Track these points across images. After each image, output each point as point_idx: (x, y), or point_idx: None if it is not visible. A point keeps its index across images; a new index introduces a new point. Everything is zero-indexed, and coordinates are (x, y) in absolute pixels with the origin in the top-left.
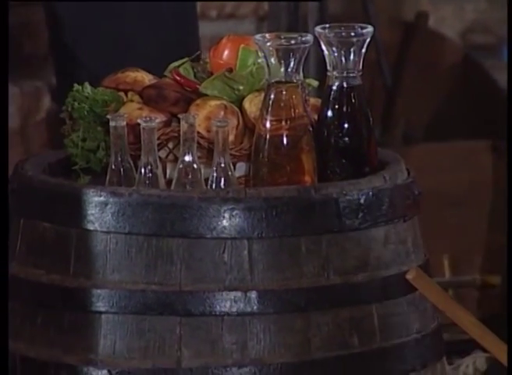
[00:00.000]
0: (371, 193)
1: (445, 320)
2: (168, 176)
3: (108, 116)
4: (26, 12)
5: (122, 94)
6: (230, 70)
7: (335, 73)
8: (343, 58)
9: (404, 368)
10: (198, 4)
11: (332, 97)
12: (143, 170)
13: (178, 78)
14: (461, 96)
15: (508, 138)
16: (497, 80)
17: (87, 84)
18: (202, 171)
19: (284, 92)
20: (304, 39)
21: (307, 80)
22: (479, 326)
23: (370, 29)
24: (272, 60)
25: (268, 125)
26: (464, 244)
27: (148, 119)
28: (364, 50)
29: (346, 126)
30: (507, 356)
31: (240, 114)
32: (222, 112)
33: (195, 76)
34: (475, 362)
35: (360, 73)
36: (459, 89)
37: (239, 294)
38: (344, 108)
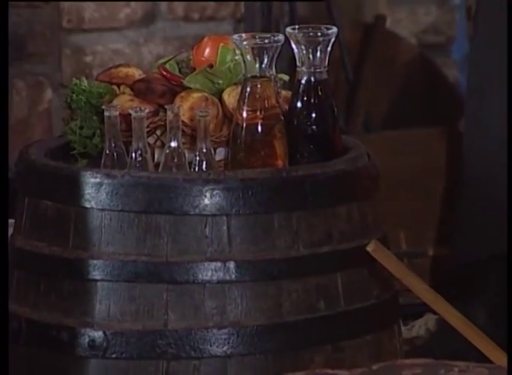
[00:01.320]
0: (335, 175)
1: (401, 287)
2: (156, 160)
3: (103, 107)
4: (31, 13)
5: (115, 87)
6: (211, 66)
7: (303, 68)
8: (311, 56)
9: (365, 329)
10: (182, 6)
11: (301, 90)
12: (133, 155)
13: (164, 73)
14: (415, 89)
15: (508, 137)
16: (447, 75)
17: (83, 79)
18: (186, 155)
19: (259, 86)
20: (276, 39)
21: (279, 75)
22: (431, 292)
23: (334, 30)
24: (248, 57)
25: (244, 114)
26: (417, 220)
27: (138, 109)
28: (329, 48)
29: (313, 115)
30: (507, 355)
31: (219, 105)
32: (204, 104)
33: (180, 71)
34: (427, 323)
35: (326, 69)
36: (413, 83)
37: (219, 264)
38: (312, 100)
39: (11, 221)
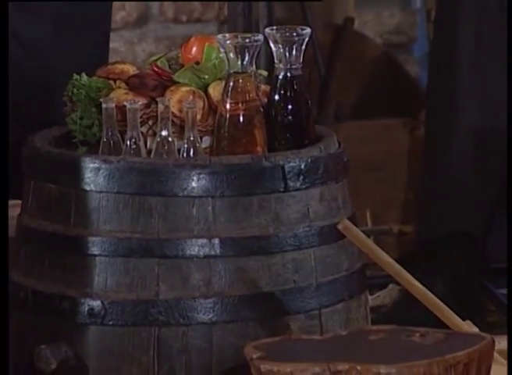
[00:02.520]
0: (309, 160)
1: (367, 261)
2: (148, 147)
3: (101, 100)
4: None
5: (111, 82)
6: (197, 63)
7: (280, 65)
8: (287, 54)
9: (336, 299)
10: (172, 9)
11: (278, 84)
12: (128, 142)
13: (156, 69)
14: (380, 84)
15: (508, 135)
16: (408, 71)
17: (83, 74)
18: (175, 143)
19: (240, 80)
20: (256, 38)
21: (259, 71)
22: (394, 265)
23: (308, 30)
24: (231, 55)
25: (227, 106)
26: (382, 200)
27: (132, 101)
28: (303, 47)
29: (289, 107)
30: (508, 355)
31: (205, 98)
32: (191, 97)
33: (170, 67)
34: (391, 293)
35: (301, 66)
36: (378, 78)
37: (205, 240)
38: (288, 93)
39: (18, 202)
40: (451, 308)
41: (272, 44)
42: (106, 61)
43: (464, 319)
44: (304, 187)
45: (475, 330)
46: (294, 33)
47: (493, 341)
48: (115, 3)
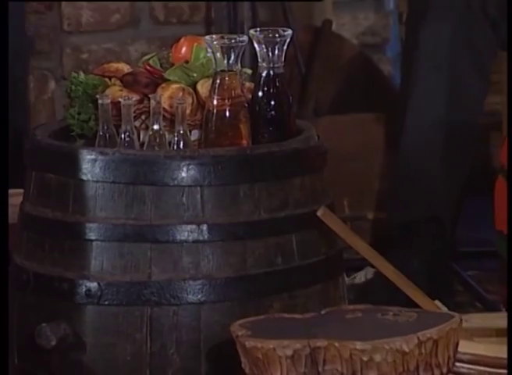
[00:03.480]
0: (291, 152)
1: (344, 245)
2: (141, 140)
3: (97, 96)
4: (38, 18)
5: (107, 79)
6: (187, 62)
7: (264, 64)
8: (270, 53)
9: (315, 280)
10: (162, 12)
11: (261, 82)
12: (122, 136)
13: (148, 68)
14: (356, 81)
15: (508, 133)
16: (382, 70)
17: (81, 72)
18: (166, 136)
19: (227, 78)
20: (241, 39)
21: (244, 69)
22: (369, 249)
23: (289, 31)
24: (218, 54)
25: (215, 102)
26: (358, 189)
27: (127, 98)
28: (285, 47)
29: (272, 103)
30: (508, 354)
31: (194, 94)
32: (181, 93)
33: (161, 66)
34: (366, 274)
35: (282, 64)
36: (354, 76)
37: (194, 226)
38: (271, 90)
39: (20, 191)
40: (422, 289)
41: (255, 45)
42: None
43: (433, 299)
44: (285, 176)
45: (444, 309)
46: (276, 35)
47: (461, 320)
48: (110, 7)
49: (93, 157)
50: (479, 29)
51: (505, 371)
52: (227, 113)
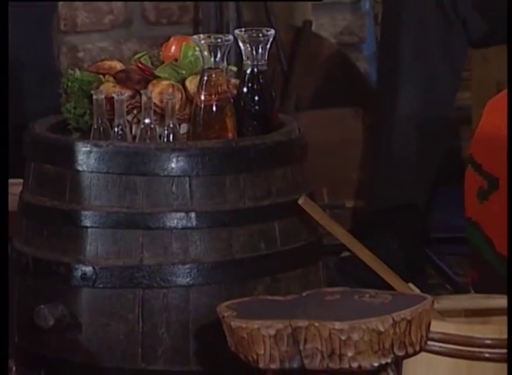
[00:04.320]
0: (273, 144)
1: (324, 231)
2: (133, 133)
3: (92, 92)
4: None
5: (101, 76)
6: (176, 60)
7: (248, 62)
8: (254, 52)
9: (296, 264)
10: (153, 13)
11: (246, 78)
12: (116, 129)
13: (140, 65)
14: (335, 78)
15: (508, 132)
16: (359, 67)
17: (77, 70)
18: (157, 130)
19: (213, 75)
20: (227, 38)
21: (230, 67)
22: (347, 235)
23: (272, 31)
24: (205, 53)
25: (202, 98)
26: (336, 179)
27: (119, 93)
28: (268, 46)
29: (256, 98)
30: (508, 353)
31: (183, 90)
32: (171, 89)
33: (152, 63)
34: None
35: (266, 62)
36: (333, 73)
37: (182, 214)
38: (255, 86)
39: (20, 180)
40: (396, 273)
41: (240, 44)
42: None
43: (407, 282)
44: (268, 167)
45: (417, 291)
46: (260, 34)
47: (432, 301)
48: (104, 8)
49: (88, 149)
50: (451, 28)
51: (474, 349)
52: (214, 108)
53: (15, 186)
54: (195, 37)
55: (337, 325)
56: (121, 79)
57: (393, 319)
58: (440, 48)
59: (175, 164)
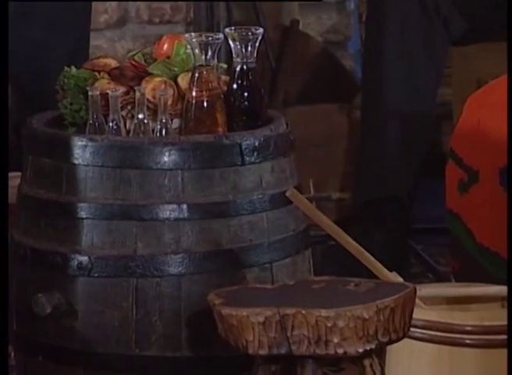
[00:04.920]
0: (262, 139)
1: (311, 223)
2: (127, 128)
3: (87, 88)
4: None
5: (96, 73)
6: (168, 57)
7: (238, 59)
8: (243, 50)
9: (284, 254)
10: (146, 12)
11: (236, 75)
12: (110, 124)
13: (133, 63)
14: (321, 75)
15: (508, 138)
16: (344, 64)
17: (73, 67)
18: (150, 124)
19: (204, 72)
20: (217, 37)
21: (220, 64)
22: (333, 226)
23: (261, 30)
24: (196, 51)
25: (194, 94)
26: (323, 172)
27: (114, 90)
28: (257, 44)
29: (245, 94)
30: (507, 353)
31: (175, 87)
32: (163, 85)
33: (145, 61)
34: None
35: (255, 60)
36: (319, 70)
37: (175, 206)
38: (244, 83)
39: (18, 173)
40: (380, 262)
41: (230, 42)
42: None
43: (390, 271)
44: (257, 161)
45: (400, 280)
46: (249, 33)
47: (415, 289)
48: (99, 8)
49: (84, 143)
50: (432, 27)
51: (454, 335)
52: (205, 104)
53: (13, 179)
54: (187, 35)
55: (323, 312)
56: (115, 76)
57: (377, 306)
58: (422, 46)
59: (167, 158)
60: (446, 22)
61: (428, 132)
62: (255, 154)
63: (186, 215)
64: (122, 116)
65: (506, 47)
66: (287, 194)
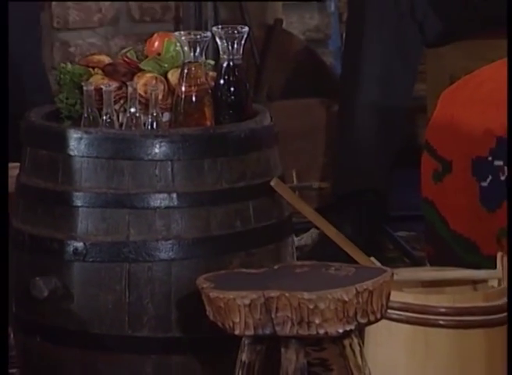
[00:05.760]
0: (248, 131)
1: (293, 210)
2: (120, 121)
3: (82, 83)
4: None
5: (91, 69)
6: (159, 54)
7: (224, 56)
8: (230, 47)
9: (268, 240)
10: (138, 12)
11: (223, 71)
12: (104, 117)
13: (126, 59)
14: (303, 71)
15: (508, 131)
16: (325, 61)
17: (68, 63)
18: (142, 118)
19: (193, 68)
20: (205, 35)
21: (208, 61)
22: (314, 213)
23: (246, 29)
24: (186, 48)
25: (183, 89)
26: (305, 163)
27: (107, 85)
28: (243, 42)
29: (232, 89)
30: (507, 353)
31: (165, 82)
32: (154, 81)
33: (137, 58)
34: (312, 235)
35: (241, 57)
36: (301, 67)
37: (165, 195)
38: (231, 78)
39: (17, 164)
40: (359, 248)
41: (217, 40)
42: None
43: (369, 256)
44: (243, 152)
45: (378, 264)
46: (235, 31)
47: (392, 273)
48: (93, 7)
49: (79, 135)
50: (408, 30)
51: (429, 316)
52: (193, 98)
53: (13, 169)
54: (176, 33)
55: (306, 295)
56: (109, 72)
57: (357, 289)
58: (398, 46)
59: (158, 149)
60: (421, 26)
61: (402, 125)
62: (241, 146)
63: (175, 203)
64: (115, 110)
65: (507, 47)
66: (271, 183)
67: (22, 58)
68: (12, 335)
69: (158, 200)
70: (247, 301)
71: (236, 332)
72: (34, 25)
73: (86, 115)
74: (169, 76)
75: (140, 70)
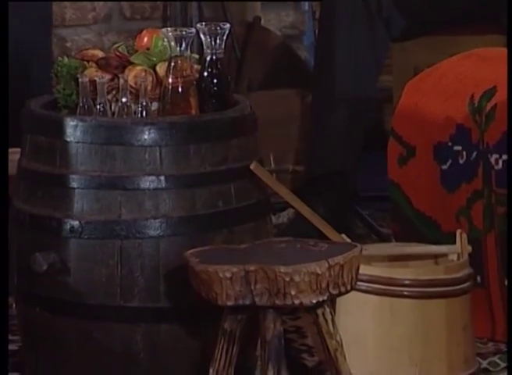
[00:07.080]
0: (229, 119)
1: (271, 191)
2: (112, 110)
3: (78, 75)
4: None
5: (86, 62)
6: (148, 49)
7: (208, 50)
8: (213, 42)
9: (248, 219)
10: (129, 10)
11: (206, 64)
12: (98, 107)
13: (118, 53)
14: (280, 65)
15: (508, 131)
16: (300, 55)
17: (65, 57)
18: (132, 107)
19: (179, 62)
20: (190, 31)
21: (193, 55)
22: (291, 194)
23: (228, 25)
24: (172, 43)
25: (170, 80)
26: (281, 148)
27: (101, 77)
28: (224, 37)
29: (215, 81)
30: (508, 352)
31: (154, 74)
32: (144, 73)
33: (128, 52)
34: (288, 214)
35: (223, 51)
36: (278, 60)
37: (154, 177)
38: (214, 71)
39: (18, 149)
40: (331, 225)
41: (201, 36)
42: None
43: (340, 233)
44: (225, 138)
45: (348, 240)
46: (218, 28)
47: (361, 249)
48: (88, 6)
49: (75, 123)
50: (375, 26)
51: (395, 288)
52: (180, 89)
53: (14, 154)
54: (164, 30)
55: (282, 268)
56: (102, 65)
57: (329, 263)
58: (366, 41)
59: (147, 136)
60: (387, 23)
61: (369, 113)
62: (223, 132)
63: (163, 185)
64: (108, 100)
65: (506, 47)
66: (251, 167)
67: (32, 49)
68: (13, 305)
69: (148, 182)
70: (228, 275)
71: (219, 302)
72: (47, 18)
73: (81, 104)
74: (157, 68)
75: (131, 63)
